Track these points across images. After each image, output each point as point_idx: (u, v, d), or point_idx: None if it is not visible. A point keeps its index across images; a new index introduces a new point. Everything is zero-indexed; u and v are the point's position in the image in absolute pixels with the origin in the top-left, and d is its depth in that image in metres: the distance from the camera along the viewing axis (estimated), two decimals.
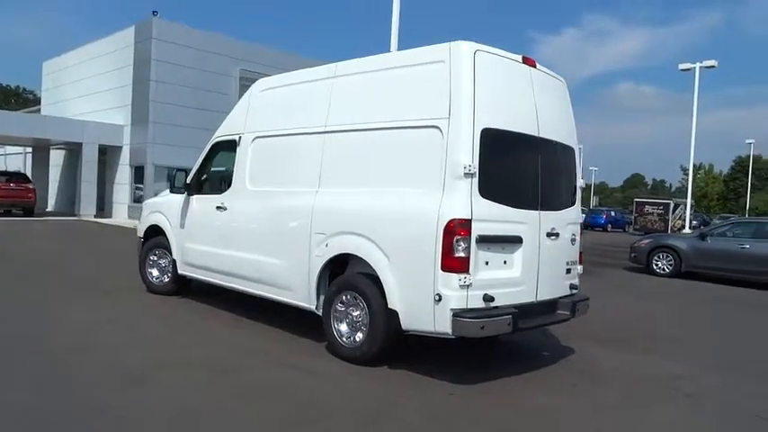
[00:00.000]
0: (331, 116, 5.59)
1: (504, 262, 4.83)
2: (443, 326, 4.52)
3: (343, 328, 5.31)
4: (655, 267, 13.91)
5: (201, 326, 6.32)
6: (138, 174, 23.87)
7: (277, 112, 6.27)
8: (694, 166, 35.01)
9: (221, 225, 6.65)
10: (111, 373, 4.58)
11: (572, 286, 5.60)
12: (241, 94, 24.05)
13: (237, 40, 26.04)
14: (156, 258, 7.87)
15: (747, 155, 63.67)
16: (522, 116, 5.04)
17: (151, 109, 22.90)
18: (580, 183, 5.89)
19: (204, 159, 7.27)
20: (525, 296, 4.95)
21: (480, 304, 4.57)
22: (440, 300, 4.50)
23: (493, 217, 4.67)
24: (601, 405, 4.57)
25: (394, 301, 4.82)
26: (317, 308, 5.54)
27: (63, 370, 4.60)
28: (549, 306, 5.25)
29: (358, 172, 5.29)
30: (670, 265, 13.77)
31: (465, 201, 4.52)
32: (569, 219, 5.55)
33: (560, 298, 5.38)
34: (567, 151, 5.57)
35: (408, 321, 4.77)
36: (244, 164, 6.50)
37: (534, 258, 5.04)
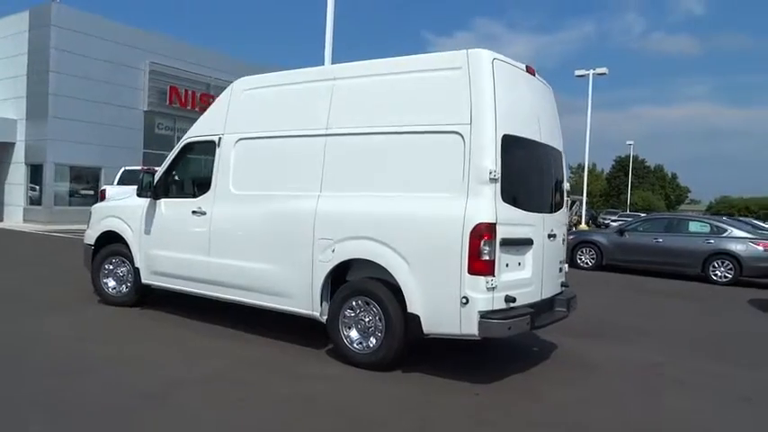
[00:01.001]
0: (333, 119, 5.48)
1: (519, 263, 4.99)
2: (470, 328, 4.60)
3: (354, 334, 5.24)
4: (579, 262, 14.87)
5: (189, 339, 5.95)
6: (35, 173, 21.84)
7: (265, 114, 6.04)
8: (580, 165, 37.79)
9: (200, 231, 6.29)
10: (129, 394, 4.22)
11: (562, 284, 5.90)
12: (152, 89, 22.90)
13: (147, 31, 24.59)
14: (111, 267, 7.28)
15: (627, 155, 69.64)
16: (528, 122, 5.23)
17: (51, 103, 21.00)
18: (567, 186, 6.20)
19: (173, 161, 6.84)
20: (535, 296, 5.16)
21: (502, 305, 4.70)
22: (467, 302, 4.57)
23: (512, 220, 4.82)
24: (616, 395, 4.86)
25: (414, 306, 4.83)
26: (320, 314, 5.42)
27: (72, 398, 4.16)
28: (549, 304, 5.50)
29: (365, 176, 5.23)
30: (592, 259, 14.79)
31: (490, 205, 4.62)
32: (562, 220, 5.85)
33: (555, 296, 5.65)
34: (559, 155, 5.84)
35: (431, 325, 4.80)
36: (226, 167, 6.19)
37: (540, 259, 5.25)
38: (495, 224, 4.61)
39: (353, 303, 5.23)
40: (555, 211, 5.69)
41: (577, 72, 33.35)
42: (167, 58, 24.22)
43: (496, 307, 4.65)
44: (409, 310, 4.86)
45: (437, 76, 4.96)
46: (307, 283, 5.45)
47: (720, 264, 13.18)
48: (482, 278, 4.57)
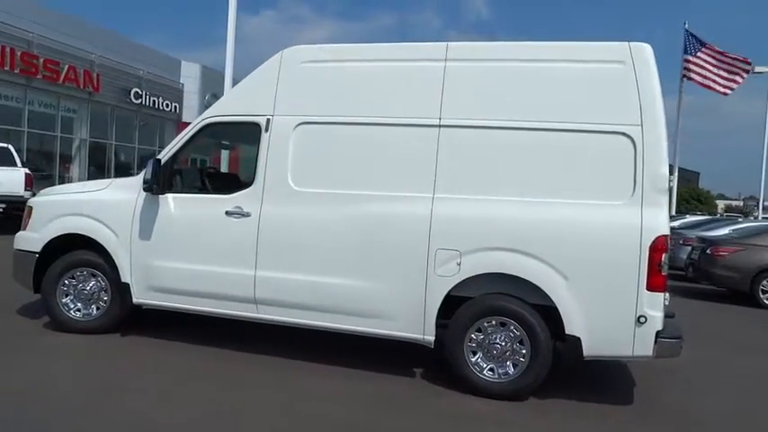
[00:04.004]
0: (448, 107, 4.62)
1: None
2: (645, 349, 4.22)
3: (480, 359, 4.52)
4: None
5: (225, 371, 4.67)
6: None
7: (341, 94, 4.89)
8: None
9: (239, 237, 4.93)
10: None
11: None
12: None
13: None
14: (75, 283, 5.43)
15: None
16: None
17: None
18: None
19: (185, 146, 5.28)
20: None
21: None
22: (645, 321, 4.18)
23: None
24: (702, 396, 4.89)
25: (574, 326, 4.29)
26: (433, 338, 4.58)
27: None
28: None
29: (499, 177, 4.51)
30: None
31: (666, 215, 4.28)
32: None
33: None
34: None
35: (594, 347, 4.31)
36: (281, 156, 4.92)
37: None
38: (668, 236, 4.28)
39: (485, 324, 4.51)
40: None
41: None
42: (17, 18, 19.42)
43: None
44: (567, 331, 4.31)
45: (594, 68, 4.43)
46: (417, 301, 4.57)
47: None
48: (660, 295, 4.22)
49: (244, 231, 4.93)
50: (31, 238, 5.51)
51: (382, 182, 4.70)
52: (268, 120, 4.97)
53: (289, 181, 4.88)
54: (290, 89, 4.99)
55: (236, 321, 5.21)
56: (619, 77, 4.35)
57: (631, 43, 4.41)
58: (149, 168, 5.01)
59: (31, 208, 5.64)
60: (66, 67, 21.09)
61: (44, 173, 20.36)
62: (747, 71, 20.70)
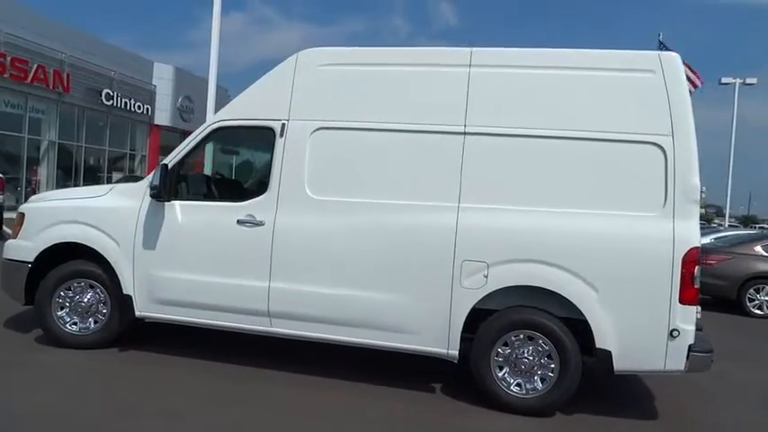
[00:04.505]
0: (473, 114, 4.50)
1: None
2: (677, 363, 4.15)
3: (506, 374, 4.39)
4: None
5: (236, 388, 4.42)
6: None
7: (360, 98, 4.72)
8: None
9: (252, 247, 4.71)
10: None
11: None
12: None
13: None
14: (72, 295, 5.11)
15: None
16: None
17: None
18: None
19: (193, 151, 5.02)
20: None
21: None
22: (677, 335, 4.11)
23: None
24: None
25: (605, 340, 4.20)
26: (458, 352, 4.43)
27: None
28: None
29: (526, 186, 4.39)
30: None
31: (697, 227, 4.22)
32: None
33: None
34: None
35: (625, 361, 4.22)
36: (296, 163, 4.71)
37: None
38: (700, 248, 4.23)
39: (512, 338, 4.38)
40: None
41: None
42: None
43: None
44: (598, 345, 4.21)
45: (623, 77, 4.37)
46: (441, 314, 4.42)
47: None
48: (692, 308, 4.16)
49: (257, 241, 4.70)
50: (23, 246, 5.16)
51: (404, 190, 4.55)
52: (283, 124, 4.77)
53: (305, 188, 4.68)
54: (306, 93, 4.80)
55: (234, 333, 4.97)
56: (648, 87, 4.30)
57: (661, 53, 4.37)
58: (156, 174, 4.74)
59: (22, 215, 5.29)
60: (35, 66, 20.28)
61: (8, 175, 19.52)
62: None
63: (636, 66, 4.37)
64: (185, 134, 30.29)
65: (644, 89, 4.31)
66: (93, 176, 24.56)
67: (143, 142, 27.71)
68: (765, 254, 10.38)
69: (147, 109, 26.65)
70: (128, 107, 25.28)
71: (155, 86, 27.43)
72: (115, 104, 24.44)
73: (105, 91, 23.76)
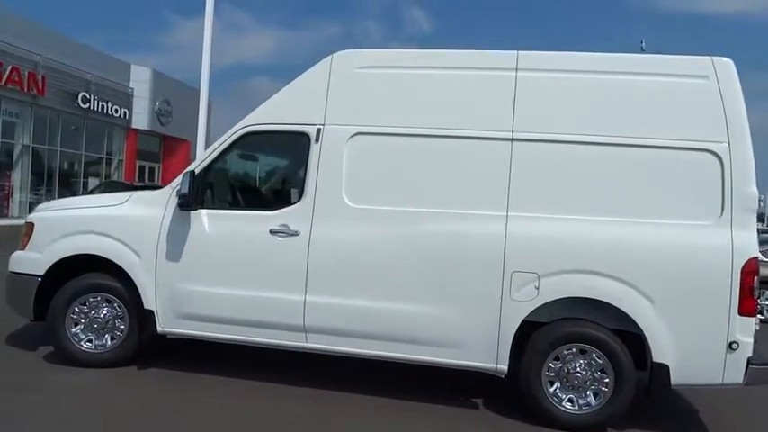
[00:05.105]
0: (521, 120, 4.33)
1: None
2: (735, 376, 4.04)
3: (558, 390, 4.23)
4: None
5: (264, 405, 4.16)
6: None
7: (401, 103, 4.52)
8: None
9: (286, 258, 4.46)
10: None
11: None
12: None
13: None
14: (87, 310, 4.78)
15: None
16: None
17: None
18: None
19: (218, 157, 4.74)
20: None
21: None
22: (737, 348, 4.00)
23: None
24: None
25: (663, 353, 4.06)
26: (507, 366, 4.25)
27: None
28: None
29: (577, 195, 4.24)
30: None
31: (755, 236, 4.13)
32: None
33: None
34: None
35: (683, 375, 4.08)
36: (333, 170, 4.49)
37: None
38: (758, 258, 4.13)
39: (564, 352, 4.22)
40: None
41: None
42: None
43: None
44: (654, 358, 4.08)
45: (676, 82, 4.25)
46: (490, 328, 4.23)
47: None
48: (751, 320, 4.06)
49: (291, 252, 4.45)
50: (33, 259, 4.81)
51: (449, 198, 4.35)
52: (318, 129, 4.53)
53: (343, 196, 4.45)
54: (342, 97, 4.58)
55: (249, 348, 4.70)
56: (702, 93, 4.19)
57: (714, 58, 4.26)
58: (184, 182, 4.45)
59: (31, 224, 4.94)
60: (9, 68, 19.55)
61: None
62: None
63: (689, 71, 4.26)
64: (163, 138, 29.79)
65: (698, 95, 4.21)
66: (68, 182, 23.80)
67: (120, 146, 26.97)
68: (765, 259, 10.49)
69: (125, 112, 25.95)
70: (104, 110, 24.57)
71: (132, 89, 26.74)
72: (92, 108, 23.72)
73: (82, 94, 23.05)
